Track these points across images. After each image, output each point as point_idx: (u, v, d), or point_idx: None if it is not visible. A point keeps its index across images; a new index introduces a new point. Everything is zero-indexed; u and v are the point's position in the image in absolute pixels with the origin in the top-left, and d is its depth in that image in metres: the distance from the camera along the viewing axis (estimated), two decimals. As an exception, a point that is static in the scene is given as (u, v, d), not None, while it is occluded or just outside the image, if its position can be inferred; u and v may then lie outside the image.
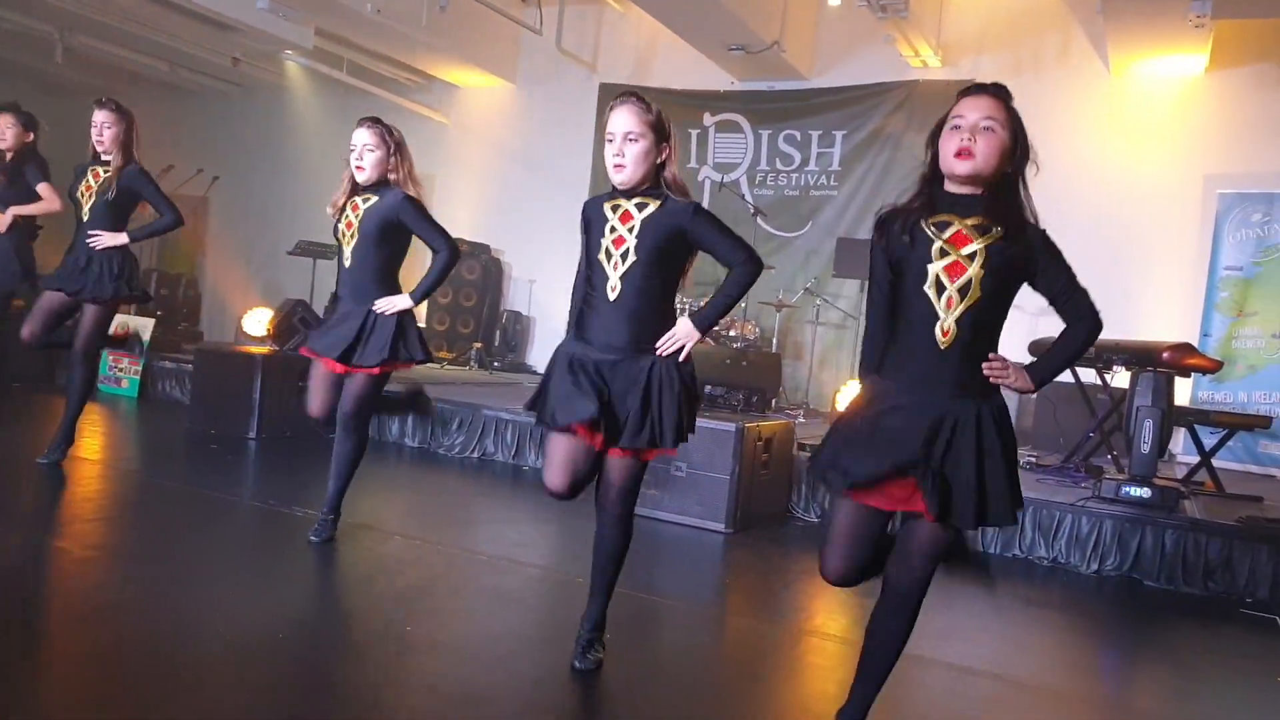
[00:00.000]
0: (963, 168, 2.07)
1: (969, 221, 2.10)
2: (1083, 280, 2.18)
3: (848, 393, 5.67)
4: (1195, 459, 5.60)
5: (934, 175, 2.16)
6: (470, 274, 9.75)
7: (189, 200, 10.41)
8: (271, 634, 2.77)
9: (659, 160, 2.55)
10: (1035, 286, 2.16)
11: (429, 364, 3.77)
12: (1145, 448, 4.63)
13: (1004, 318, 2.16)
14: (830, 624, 3.55)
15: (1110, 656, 3.66)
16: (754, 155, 9.16)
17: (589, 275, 2.63)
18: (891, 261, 2.17)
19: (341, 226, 3.60)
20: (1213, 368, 5.52)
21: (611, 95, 9.64)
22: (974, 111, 2.08)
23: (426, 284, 3.63)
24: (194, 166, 10.13)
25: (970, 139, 2.06)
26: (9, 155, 4.86)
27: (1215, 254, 7.09)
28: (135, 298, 4.59)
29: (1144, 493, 4.50)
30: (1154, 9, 6.40)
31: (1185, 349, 5.08)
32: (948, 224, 2.11)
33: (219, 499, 4.42)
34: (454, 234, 11.14)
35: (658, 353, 2.54)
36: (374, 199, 3.56)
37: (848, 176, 8.73)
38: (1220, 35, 6.96)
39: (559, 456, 2.59)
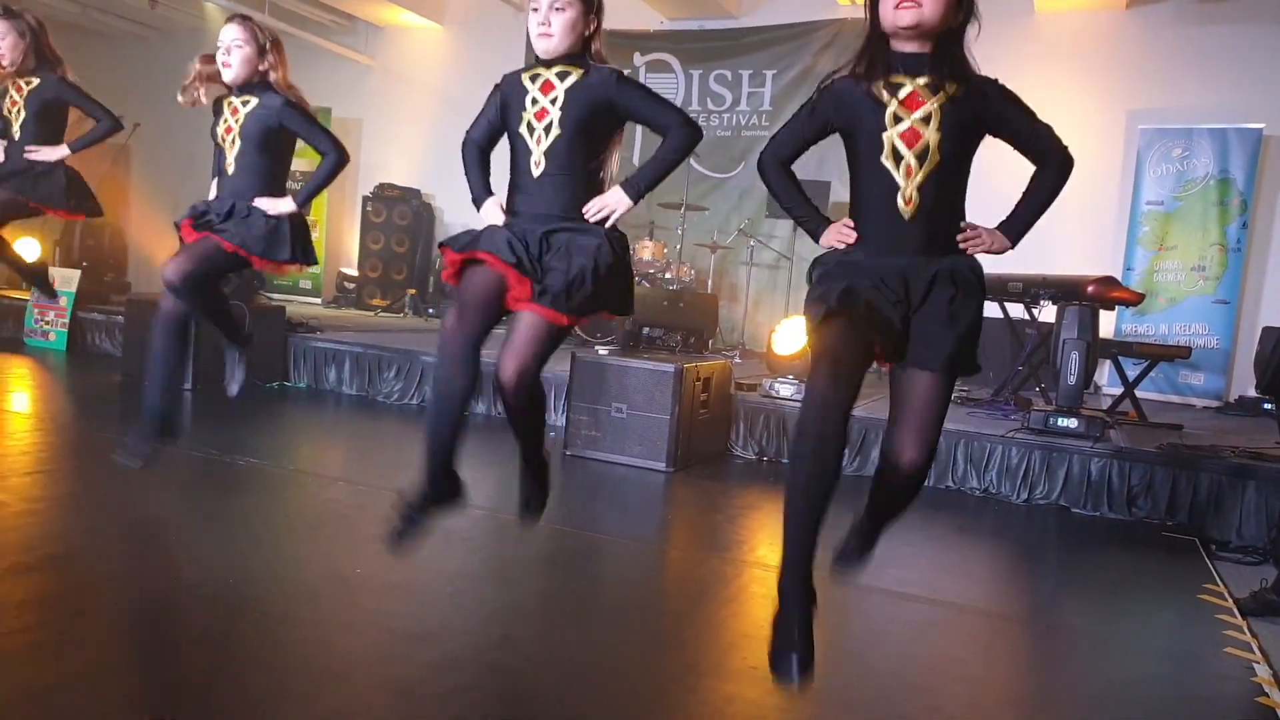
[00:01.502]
0: (907, 18, 1.95)
1: (920, 81, 2.00)
2: (1001, 215, 2.15)
3: (784, 331, 5.75)
4: (1119, 390, 5.82)
5: (876, 35, 2.05)
6: (402, 220, 9.62)
7: (109, 149, 10.02)
8: (221, 579, 2.78)
9: (587, 32, 2.44)
10: (997, 135, 2.09)
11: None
12: (1072, 380, 4.81)
13: (967, 176, 2.10)
14: (771, 556, 3.65)
15: (1041, 580, 3.83)
16: (685, 95, 9.13)
17: (511, 155, 2.51)
18: (841, 129, 2.10)
19: (220, 131, 3.41)
20: (1135, 300, 5.73)
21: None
22: None
23: (311, 187, 3.46)
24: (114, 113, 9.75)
25: None
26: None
27: (1137, 189, 7.32)
28: (86, 213, 4.38)
29: (1071, 423, 4.68)
30: (1079, -54, 6.50)
31: (1109, 282, 5.27)
32: (899, 85, 2.01)
33: (154, 449, 4.36)
34: (383, 179, 10.97)
35: (587, 216, 2.42)
36: (254, 101, 3.37)
37: (778, 116, 8.75)
38: (1141, -29, 7.11)
39: (472, 291, 2.38)
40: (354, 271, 9.96)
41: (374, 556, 3.12)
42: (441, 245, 2.51)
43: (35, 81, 4.12)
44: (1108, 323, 6.78)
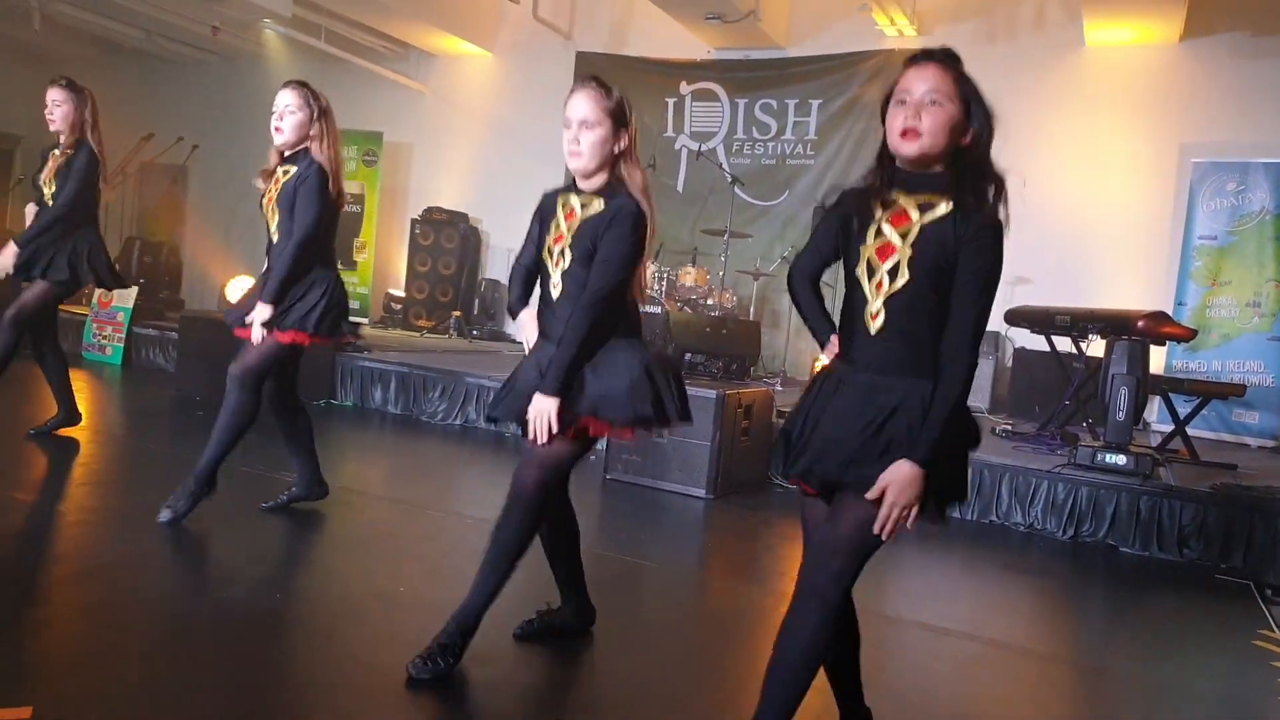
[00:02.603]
0: (908, 149, 1.89)
1: (915, 198, 1.93)
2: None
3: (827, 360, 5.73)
4: (1170, 427, 5.71)
5: (885, 154, 1.98)
6: (449, 243, 9.75)
7: (168, 168, 10.33)
8: (268, 594, 2.83)
9: (616, 150, 2.43)
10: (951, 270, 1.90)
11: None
12: (1121, 415, 4.73)
13: (941, 303, 1.89)
14: (811, 584, 3.63)
15: (1086, 619, 3.76)
16: (730, 124, 9.18)
17: (540, 270, 2.54)
18: (840, 244, 2.04)
19: (264, 201, 3.46)
20: (1187, 336, 5.63)
21: (589, 64, 9.57)
22: (919, 84, 1.89)
23: (273, 284, 3.34)
24: (173, 135, 10.02)
25: (915, 117, 1.88)
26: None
27: (1189, 223, 7.20)
28: (106, 285, 4.51)
29: (1120, 460, 4.60)
30: (1132, -21, 6.46)
31: (1160, 317, 5.18)
32: (893, 202, 1.95)
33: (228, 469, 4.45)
34: (431, 203, 11.09)
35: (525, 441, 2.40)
36: (292, 170, 3.41)
37: (824, 145, 8.77)
38: (1194, 4, 7.03)
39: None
40: (401, 293, 10.10)
41: (417, 575, 3.16)
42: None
43: (70, 154, 4.28)
44: (1158, 358, 6.67)
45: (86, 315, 7.38)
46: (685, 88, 9.29)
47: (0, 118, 5.07)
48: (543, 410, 2.35)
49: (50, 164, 4.32)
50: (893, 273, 1.90)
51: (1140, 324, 5.02)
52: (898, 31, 8.23)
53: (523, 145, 9.47)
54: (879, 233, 1.93)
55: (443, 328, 9.46)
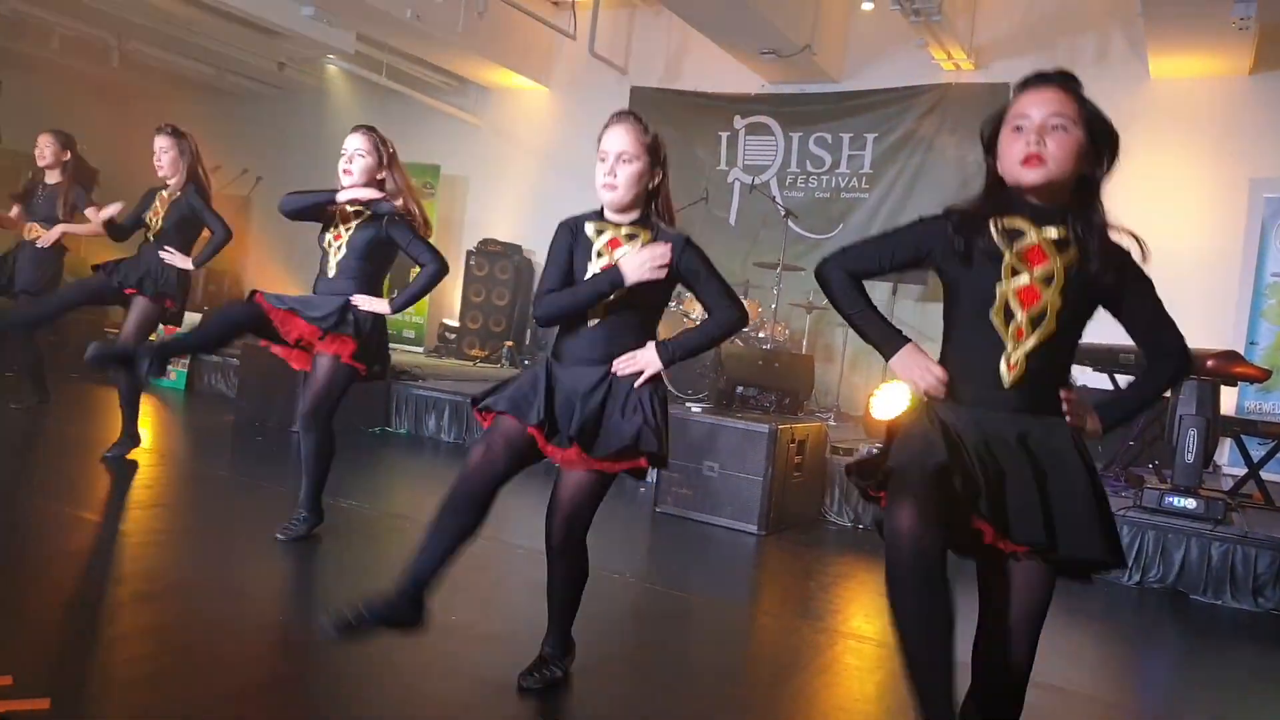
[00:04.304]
0: (1031, 176, 1.75)
1: (1046, 234, 1.78)
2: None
3: (882, 395, 5.67)
4: (1242, 470, 5.52)
5: (996, 183, 1.85)
6: (503, 274, 9.85)
7: (234, 200, 10.60)
8: (320, 620, 2.84)
9: (651, 185, 2.41)
10: (1115, 314, 1.85)
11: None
12: (1189, 457, 4.60)
13: (1076, 347, 1.85)
14: (867, 626, 3.56)
15: (1156, 669, 3.63)
16: (784, 157, 9.17)
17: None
18: (940, 267, 1.89)
19: (330, 237, 3.53)
20: (1260, 377, 5.44)
21: (643, 98, 9.65)
22: (1039, 108, 1.77)
23: (409, 294, 3.56)
24: (239, 167, 10.31)
25: (1038, 142, 1.75)
26: (50, 176, 5.11)
27: (1261, 260, 7.02)
28: (176, 304, 4.66)
29: (1189, 503, 4.46)
30: (1196, 11, 6.35)
31: (1231, 357, 5.03)
32: (1020, 233, 1.79)
33: (266, 488, 4.53)
34: (486, 235, 11.27)
35: (614, 371, 2.36)
36: (366, 213, 3.51)
37: (879, 179, 8.72)
38: (1265, 36, 6.89)
39: (495, 434, 2.36)
40: (455, 322, 10.22)
41: (468, 604, 3.16)
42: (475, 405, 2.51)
43: (178, 195, 4.52)
44: (1229, 399, 6.48)
45: (153, 339, 7.56)
46: (739, 121, 9.32)
47: (79, 150, 5.39)
48: (651, 362, 2.34)
49: (159, 204, 4.54)
50: (1035, 321, 1.78)
51: (1210, 364, 4.88)
52: (954, 66, 8.17)
53: (576, 179, 9.53)
54: (1014, 270, 1.79)
55: (495, 357, 9.54)
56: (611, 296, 2.34)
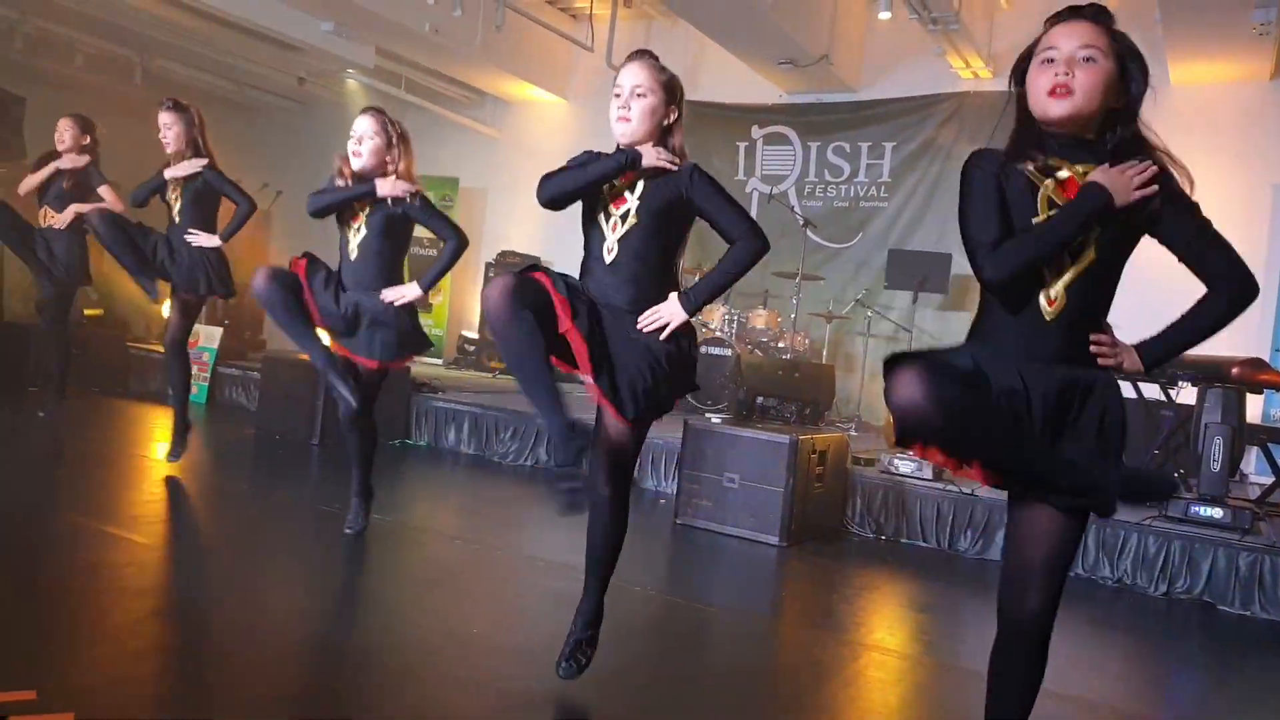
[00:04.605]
0: (1058, 108, 1.73)
1: (1079, 167, 1.76)
2: (1147, 297, 1.90)
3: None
4: (1269, 479, 5.45)
5: (1026, 120, 1.83)
6: (523, 286, 9.89)
7: (255, 214, 10.69)
8: (341, 633, 2.85)
9: (666, 122, 2.39)
10: (1159, 239, 1.79)
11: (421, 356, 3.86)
12: (1215, 466, 4.54)
13: (1119, 279, 1.82)
14: (890, 639, 3.53)
15: (1185, 681, 3.58)
16: (802, 167, 9.16)
17: (585, 237, 2.44)
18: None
19: (350, 219, 3.61)
20: (1286, 384, 5.39)
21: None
22: (1069, 40, 1.75)
23: (434, 272, 3.67)
24: (260, 181, 10.38)
25: (1066, 73, 1.72)
26: (68, 161, 5.10)
27: (1286, 265, 6.95)
28: (222, 294, 4.74)
29: (1215, 513, 4.41)
30: (1215, 18, 6.32)
31: (1256, 364, 4.97)
32: (1055, 168, 1.77)
33: (286, 502, 4.55)
34: (505, 246, 11.29)
35: (640, 328, 2.32)
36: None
37: (898, 188, 8.69)
38: (1286, 43, 6.84)
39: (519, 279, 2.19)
40: (474, 334, 10.25)
41: (489, 617, 3.16)
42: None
43: (191, 173, 4.50)
44: (1254, 407, 6.40)
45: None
46: (757, 131, 9.33)
47: (104, 165, 5.46)
48: (675, 314, 2.31)
49: (172, 185, 4.53)
50: (1075, 253, 1.74)
51: (1235, 371, 4.82)
52: (973, 74, 8.15)
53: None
54: (1051, 204, 1.75)
55: (514, 369, 9.56)
56: (628, 228, 2.32)
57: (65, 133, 5.12)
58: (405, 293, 3.57)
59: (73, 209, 5.07)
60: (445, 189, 10.50)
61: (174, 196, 4.54)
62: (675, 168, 2.33)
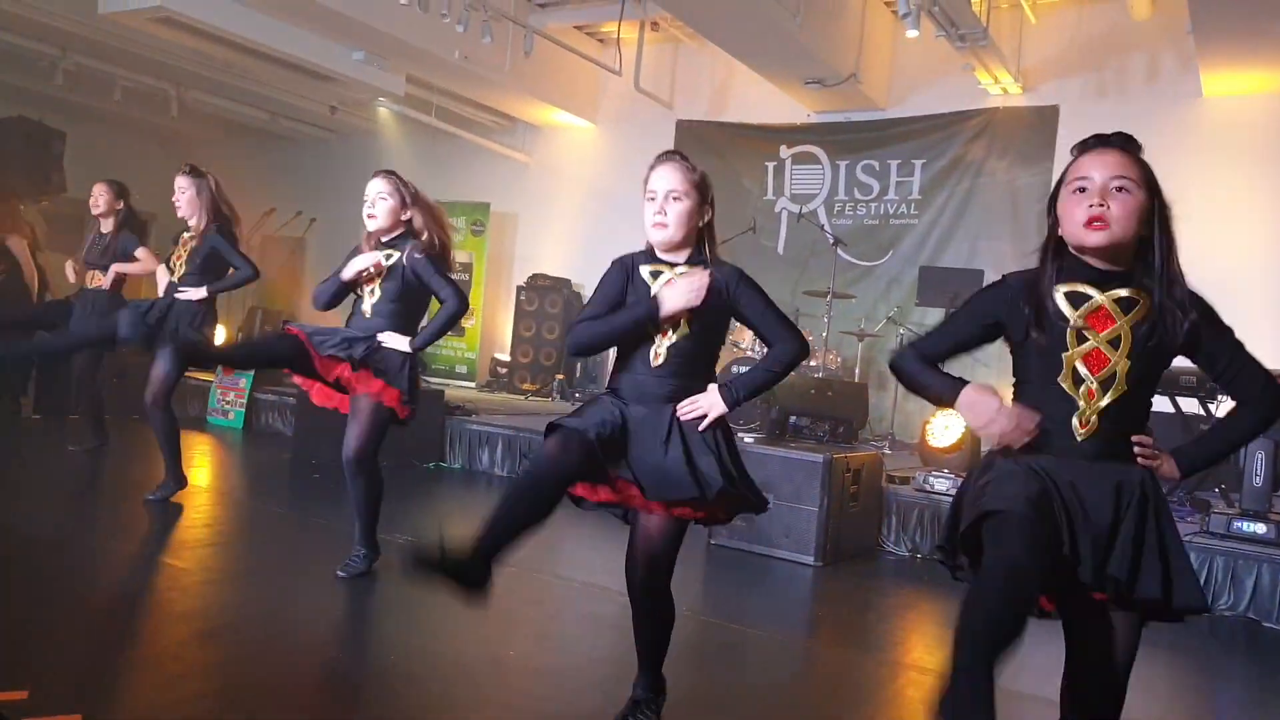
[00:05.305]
0: (1095, 238, 1.76)
1: (1111, 295, 1.80)
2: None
3: (938, 423, 5.59)
4: (1312, 494, 5.36)
5: (1056, 246, 1.86)
6: (553, 308, 9.94)
7: (288, 241, 10.86)
8: (383, 656, 2.87)
9: (701, 223, 2.38)
10: (1194, 361, 1.86)
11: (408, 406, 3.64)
12: (1258, 481, 4.47)
13: (1153, 395, 1.88)
14: (929, 658, 3.50)
15: (1227, 699, 3.52)
16: (832, 185, 9.16)
17: (622, 344, 2.40)
18: (1009, 335, 1.90)
19: (363, 278, 3.58)
20: (1326, 396, 5.29)
21: (689, 131, 9.67)
22: (1101, 170, 1.78)
23: (428, 333, 3.58)
24: (293, 209, 10.58)
25: (1101, 204, 1.76)
26: (104, 224, 5.23)
27: (1324, 277, 6.84)
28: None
29: (1259, 528, 4.33)
30: (1248, 28, 6.26)
31: (1297, 377, 4.90)
32: (1085, 296, 1.81)
33: (323, 526, 4.58)
34: (536, 270, 11.35)
35: (678, 415, 2.31)
36: (395, 256, 3.55)
37: (928, 205, 8.66)
38: (1321, 50, 6.76)
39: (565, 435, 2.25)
40: (506, 357, 10.32)
41: (527, 640, 3.17)
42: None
43: (198, 238, 4.53)
44: (1295, 420, 6.28)
45: (212, 382, 7.75)
46: (785, 151, 9.34)
47: (139, 197, 5.62)
48: (715, 406, 2.30)
49: (180, 248, 4.58)
50: (1105, 384, 1.79)
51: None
52: (1002, 90, 8.12)
53: (623, 212, 9.58)
54: (1080, 337, 1.80)
55: (546, 391, 9.60)
56: (678, 337, 2.32)
57: (100, 198, 5.24)
58: (399, 342, 3.52)
59: (115, 270, 5.19)
60: (477, 214, 10.61)
61: (178, 263, 4.55)
62: (700, 300, 2.28)
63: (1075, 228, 1.78)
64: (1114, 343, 1.78)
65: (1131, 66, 7.83)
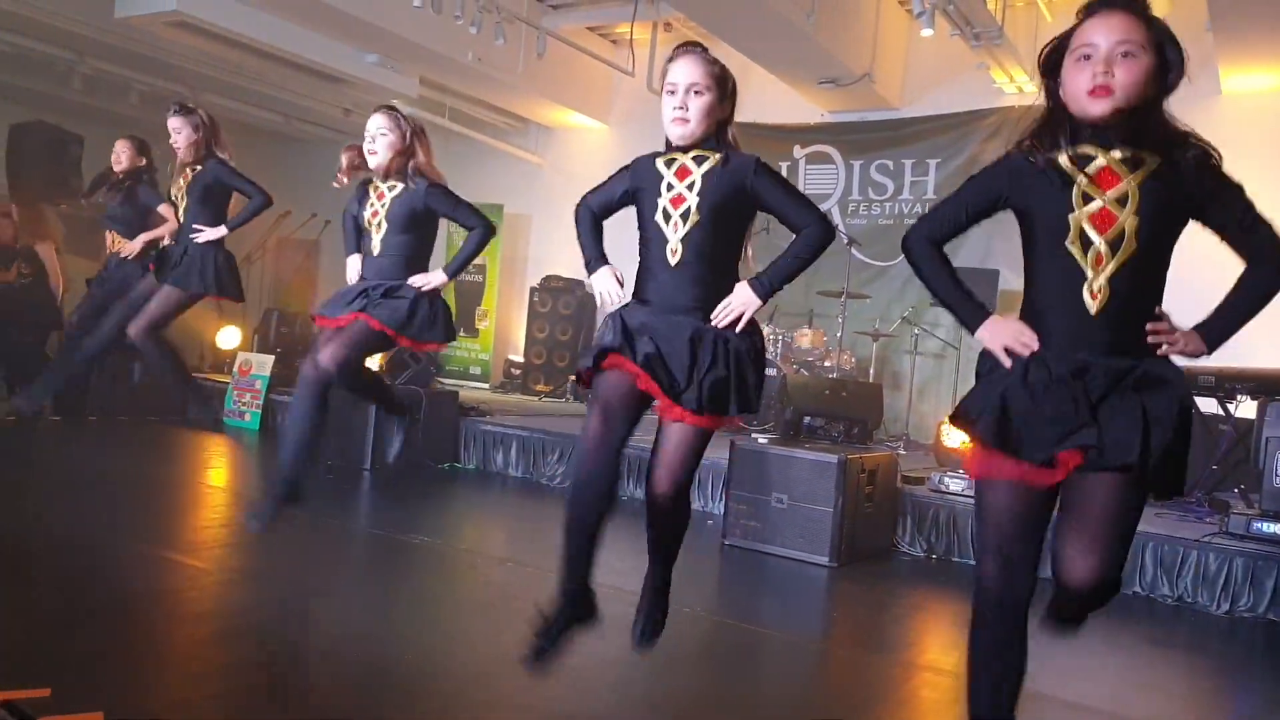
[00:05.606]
0: (1099, 107, 1.72)
1: (1114, 154, 1.74)
2: (1199, 308, 1.84)
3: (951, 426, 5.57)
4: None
5: (1057, 111, 1.82)
6: (566, 309, 9.96)
7: (304, 244, 10.91)
8: (397, 657, 2.88)
9: (721, 117, 2.34)
10: (1204, 222, 1.79)
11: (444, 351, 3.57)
12: (1278, 481, 4.43)
13: (1166, 267, 1.80)
14: (943, 659, 3.49)
15: (1247, 702, 3.48)
16: (846, 185, 9.14)
17: (643, 245, 2.40)
18: (1016, 206, 1.87)
19: (367, 215, 3.54)
20: (1349, 395, 5.25)
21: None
22: (1106, 35, 1.72)
23: (460, 259, 3.54)
24: (308, 211, 10.61)
25: (1106, 71, 1.70)
26: (122, 177, 5.10)
27: (1343, 276, 6.77)
28: (216, 295, 4.50)
29: (1279, 529, 4.30)
30: (1269, 25, 6.21)
31: (1318, 376, 4.86)
32: (1089, 158, 1.76)
33: (340, 527, 4.61)
34: (549, 271, 11.35)
35: (713, 322, 2.27)
36: (399, 187, 3.49)
37: (944, 205, 8.62)
38: (1342, 46, 6.70)
39: (602, 401, 2.27)
40: (520, 358, 10.34)
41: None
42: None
43: (199, 168, 4.44)
44: (1315, 419, 6.23)
45: (229, 383, 7.79)
46: (799, 151, 9.32)
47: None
48: (749, 302, 2.27)
49: (181, 181, 4.48)
50: (1114, 244, 1.73)
51: (1296, 383, 4.72)
52: (1017, 89, 8.08)
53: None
54: (1086, 197, 1.75)
55: (560, 392, 9.61)
56: (690, 227, 2.29)
57: (122, 154, 5.12)
58: (431, 279, 3.48)
59: (141, 239, 4.94)
60: (490, 216, 10.59)
61: (179, 195, 4.46)
62: (612, 303, 2.33)
63: (1078, 96, 1.75)
64: (1121, 201, 1.74)
65: (1148, 64, 7.76)
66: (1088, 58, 1.73)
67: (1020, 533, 1.80)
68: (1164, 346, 1.78)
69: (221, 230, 4.38)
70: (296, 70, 8.93)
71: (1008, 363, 1.83)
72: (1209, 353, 1.81)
